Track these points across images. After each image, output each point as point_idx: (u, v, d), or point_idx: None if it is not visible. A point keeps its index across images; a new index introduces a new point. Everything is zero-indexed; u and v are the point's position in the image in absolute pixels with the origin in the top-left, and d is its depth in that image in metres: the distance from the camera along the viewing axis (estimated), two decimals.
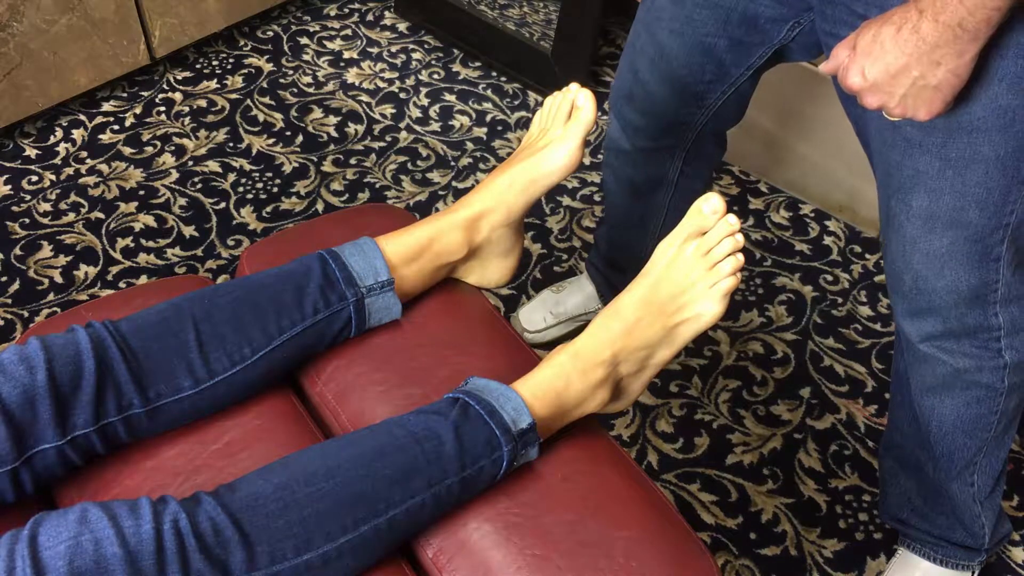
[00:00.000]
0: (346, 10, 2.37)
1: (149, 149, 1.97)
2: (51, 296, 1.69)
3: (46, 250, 1.76)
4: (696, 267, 0.93)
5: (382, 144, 2.02)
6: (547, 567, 0.85)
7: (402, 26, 2.33)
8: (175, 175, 1.92)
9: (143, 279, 1.73)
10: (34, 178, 1.89)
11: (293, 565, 0.78)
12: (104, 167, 1.92)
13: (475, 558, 0.87)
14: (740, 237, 0.93)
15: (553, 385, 0.92)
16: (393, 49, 2.26)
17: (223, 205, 1.87)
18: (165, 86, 2.11)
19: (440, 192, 1.93)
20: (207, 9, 2.09)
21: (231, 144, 1.99)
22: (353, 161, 1.97)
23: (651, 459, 1.52)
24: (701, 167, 1.41)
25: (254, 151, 1.98)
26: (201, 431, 0.94)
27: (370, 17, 2.35)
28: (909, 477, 1.28)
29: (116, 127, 2.01)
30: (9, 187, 1.87)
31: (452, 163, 1.98)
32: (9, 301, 1.68)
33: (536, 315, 1.69)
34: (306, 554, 0.79)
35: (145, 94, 2.09)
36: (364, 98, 2.12)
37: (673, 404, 1.60)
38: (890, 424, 1.28)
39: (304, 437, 0.96)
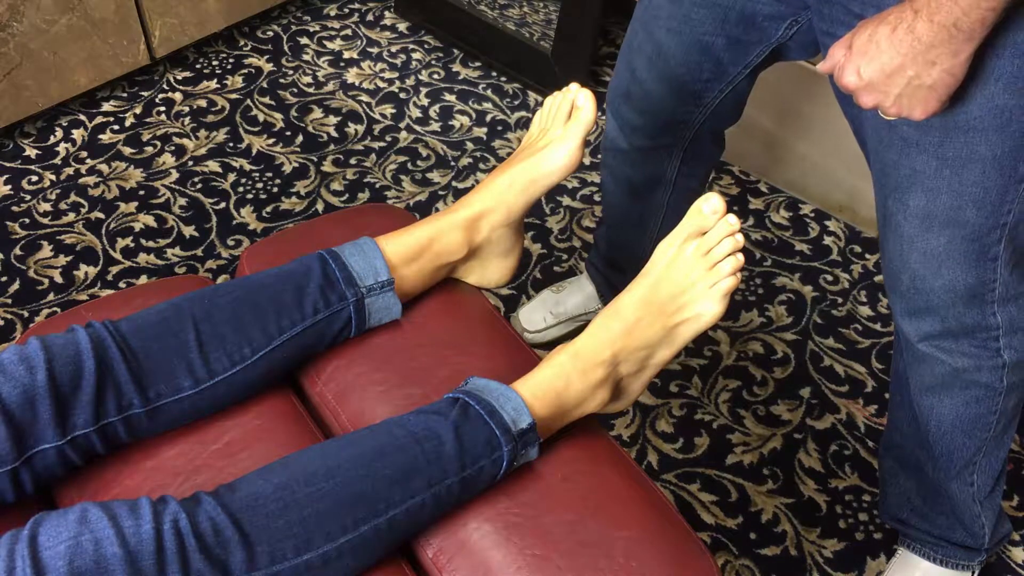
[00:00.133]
0: (346, 10, 2.37)
1: (149, 149, 1.97)
2: (51, 296, 1.69)
3: (46, 250, 1.76)
4: (696, 267, 0.93)
5: (382, 144, 2.02)
6: (547, 567, 0.85)
7: (402, 26, 2.33)
8: (175, 175, 1.92)
9: (143, 279, 1.73)
10: (34, 178, 1.89)
11: (293, 565, 0.78)
12: (104, 167, 1.92)
13: (475, 558, 0.87)
14: (740, 237, 0.93)
15: (553, 385, 0.92)
16: (393, 49, 2.26)
17: (223, 205, 1.87)
18: (165, 86, 2.12)
19: (440, 192, 1.93)
20: (207, 9, 2.09)
21: (231, 144, 1.99)
22: (353, 161, 1.97)
23: (651, 459, 1.52)
24: (699, 166, 1.41)
25: (254, 151, 1.98)
26: (201, 431, 0.94)
27: (370, 17, 2.35)
28: (909, 477, 1.28)
29: (116, 127, 2.01)
30: (9, 187, 1.87)
31: (452, 163, 1.98)
32: (9, 301, 1.68)
33: (536, 315, 1.69)
34: (306, 554, 0.79)
35: (145, 94, 2.09)
36: (364, 98, 2.12)
37: (673, 404, 1.60)
38: (890, 424, 1.28)
39: (304, 437, 0.96)
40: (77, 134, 1.99)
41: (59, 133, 1.99)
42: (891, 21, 0.83)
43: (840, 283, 1.80)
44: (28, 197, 1.85)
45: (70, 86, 1.94)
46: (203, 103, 2.08)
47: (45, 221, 1.81)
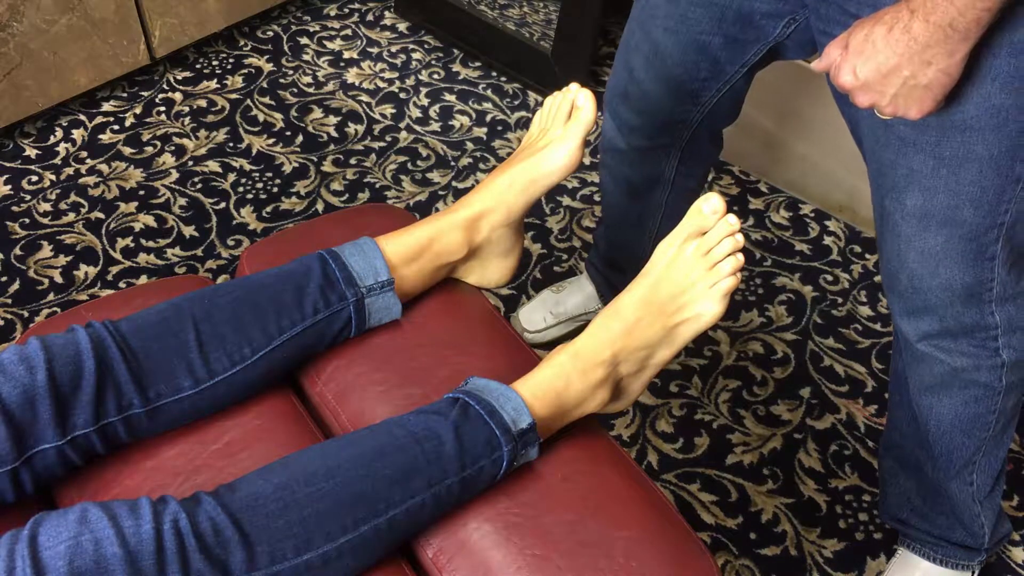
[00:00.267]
0: (346, 10, 2.37)
1: (149, 149, 1.97)
2: (51, 296, 1.69)
3: (46, 250, 1.76)
4: (696, 267, 0.93)
5: (382, 144, 2.02)
6: (547, 567, 0.85)
7: (402, 26, 2.33)
8: (175, 175, 1.92)
9: (143, 279, 1.73)
10: (34, 178, 1.89)
11: (293, 565, 0.78)
12: (104, 167, 1.92)
13: (475, 558, 0.87)
14: (740, 237, 0.93)
15: (553, 385, 0.92)
16: (393, 49, 2.26)
17: (223, 205, 1.87)
18: (165, 86, 2.12)
19: (440, 192, 1.93)
20: (207, 9, 2.09)
21: (231, 144, 1.99)
22: (353, 161, 1.97)
23: (651, 459, 1.52)
24: (697, 166, 1.41)
25: (254, 151, 1.98)
26: (201, 431, 0.94)
27: (370, 17, 2.35)
28: (908, 477, 1.28)
29: (116, 127, 2.01)
30: (9, 187, 1.87)
31: (452, 163, 1.98)
32: (9, 301, 1.68)
33: (536, 315, 1.69)
34: (306, 554, 0.79)
35: (145, 94, 2.09)
36: (364, 98, 2.12)
37: (673, 404, 1.60)
38: (889, 424, 1.28)
39: (304, 437, 0.96)
40: (77, 134, 1.99)
41: (59, 133, 1.99)
42: (887, 21, 0.83)
43: (840, 283, 1.80)
44: (28, 197, 1.85)
45: (70, 86, 1.94)
46: (203, 103, 2.08)
47: (45, 221, 1.81)
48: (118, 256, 1.76)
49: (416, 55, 2.25)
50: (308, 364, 1.01)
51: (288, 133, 2.02)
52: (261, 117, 2.06)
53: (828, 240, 1.88)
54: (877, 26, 0.83)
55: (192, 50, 2.20)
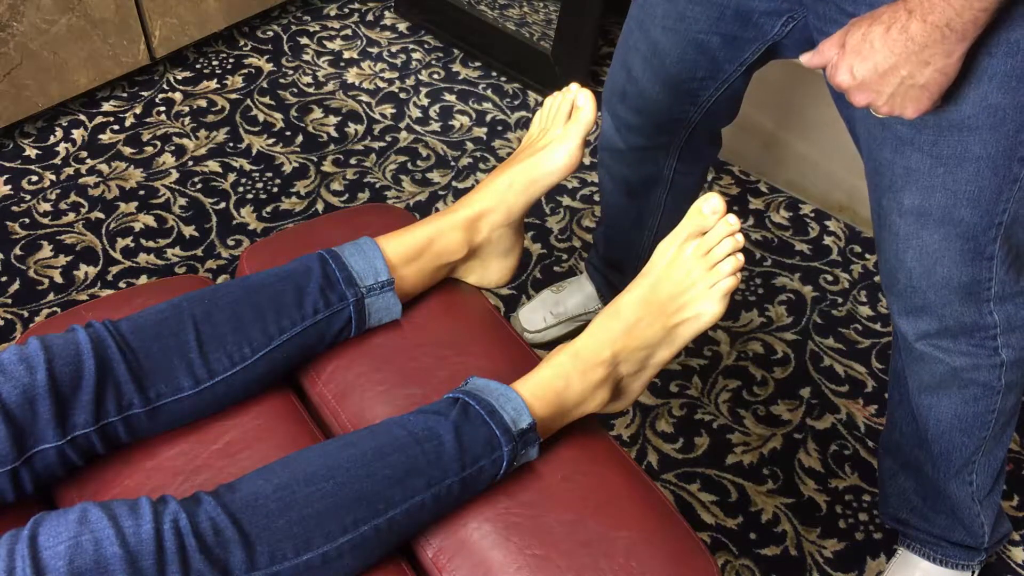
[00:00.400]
0: (346, 10, 2.37)
1: (149, 149, 1.97)
2: (51, 296, 1.69)
3: (46, 250, 1.76)
4: (696, 267, 0.93)
5: (382, 144, 2.02)
6: (547, 567, 0.85)
7: (402, 26, 2.33)
8: (175, 175, 1.92)
9: (143, 279, 1.73)
10: (34, 178, 1.89)
11: (293, 565, 0.78)
12: (104, 167, 1.92)
13: (475, 558, 0.87)
14: (740, 237, 0.93)
15: (553, 385, 0.92)
16: (393, 49, 2.26)
17: (223, 205, 1.87)
18: (165, 86, 2.12)
19: (440, 192, 1.93)
20: (207, 9, 2.09)
21: (231, 144, 1.99)
22: (353, 161, 1.97)
23: (651, 459, 1.52)
24: (696, 165, 1.41)
25: (254, 151, 1.98)
26: (201, 431, 0.94)
27: (370, 17, 2.35)
28: (908, 477, 1.28)
29: (116, 127, 2.01)
30: (9, 187, 1.87)
31: (452, 163, 1.98)
32: (9, 301, 1.68)
33: (536, 315, 1.69)
34: (306, 554, 0.79)
35: (145, 94, 2.09)
36: (364, 98, 2.12)
37: (673, 404, 1.60)
38: (889, 424, 1.28)
39: (304, 437, 0.96)
40: (77, 134, 1.99)
41: (59, 133, 1.99)
42: (885, 21, 0.83)
43: (840, 283, 1.80)
44: (28, 197, 1.85)
45: (70, 86, 1.94)
46: (203, 103, 2.08)
47: (45, 221, 1.81)
48: (118, 256, 1.76)
49: (416, 55, 2.25)
50: (308, 364, 1.01)
51: (288, 133, 2.02)
52: (261, 117, 2.06)
53: (828, 240, 1.88)
54: (874, 25, 0.83)
55: (192, 50, 2.20)
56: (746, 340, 1.70)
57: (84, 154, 1.95)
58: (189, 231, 1.81)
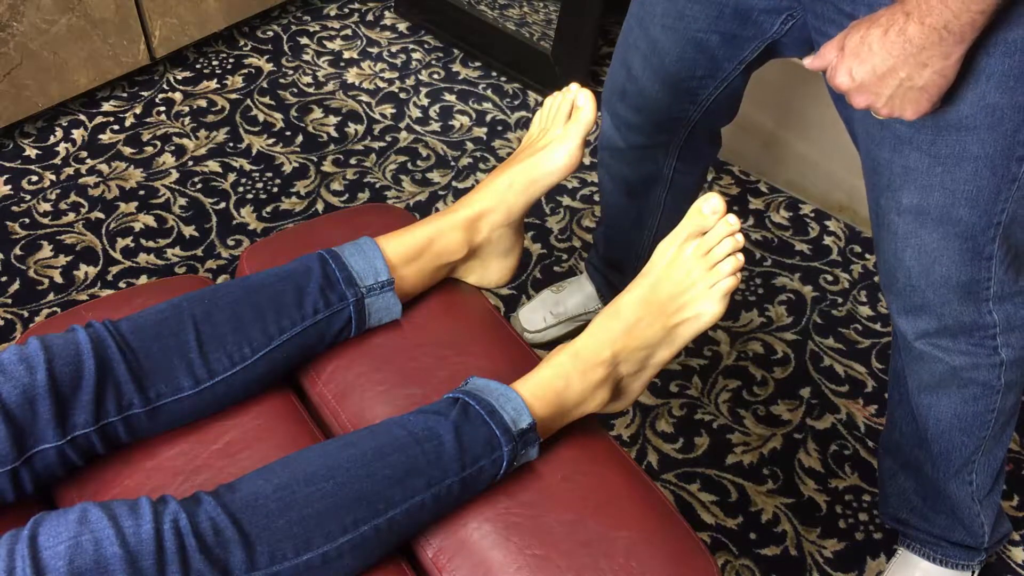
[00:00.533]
0: (346, 10, 2.37)
1: (149, 149, 1.97)
2: (51, 296, 1.69)
3: (46, 250, 1.76)
4: (696, 267, 0.93)
5: (382, 144, 2.02)
6: (547, 567, 0.85)
7: (402, 26, 2.33)
8: (175, 175, 1.92)
9: (143, 279, 1.73)
10: (34, 178, 1.89)
11: (293, 565, 0.78)
12: (104, 167, 1.92)
13: (475, 558, 0.87)
14: (740, 237, 0.93)
15: (553, 385, 0.92)
16: (393, 49, 2.26)
17: (223, 205, 1.87)
18: (165, 86, 2.12)
19: (440, 192, 1.93)
20: (207, 9, 2.09)
21: (231, 144, 1.99)
22: (353, 161, 1.97)
23: (651, 459, 1.52)
24: (696, 165, 1.41)
25: (254, 151, 1.98)
26: (201, 431, 0.94)
27: (370, 17, 2.35)
28: (908, 476, 1.28)
29: (116, 127, 2.01)
30: (9, 187, 1.87)
31: (452, 163, 1.98)
32: (9, 301, 1.68)
33: (536, 315, 1.69)
34: (306, 554, 0.79)
35: (145, 94, 2.09)
36: (364, 98, 2.12)
37: (673, 404, 1.60)
38: (888, 423, 1.28)
39: (304, 437, 0.96)
40: (77, 134, 1.99)
41: (59, 133, 1.99)
42: (883, 23, 0.83)
43: (840, 283, 1.80)
44: (28, 197, 1.85)
45: (70, 86, 1.94)
46: (203, 103, 2.08)
47: (45, 221, 1.81)
48: (118, 256, 1.76)
49: (416, 55, 2.25)
50: (308, 364, 1.01)
51: (288, 133, 2.02)
52: (261, 117, 2.06)
53: (828, 240, 1.88)
54: (873, 28, 0.84)
55: (192, 50, 2.20)
56: (746, 340, 1.70)
57: (84, 154, 1.95)
58: (189, 231, 1.81)
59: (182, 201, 1.87)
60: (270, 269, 0.98)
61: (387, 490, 0.83)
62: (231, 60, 2.19)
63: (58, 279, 1.72)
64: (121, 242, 1.78)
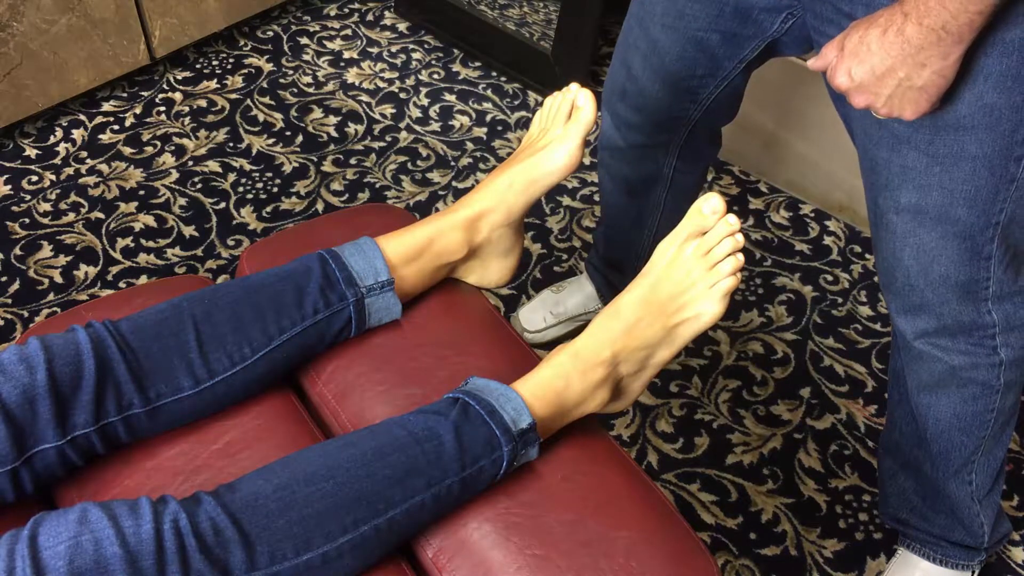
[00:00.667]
0: (346, 10, 2.37)
1: (149, 149, 1.97)
2: (51, 296, 1.69)
3: (46, 250, 1.76)
4: (696, 267, 0.93)
5: (382, 144, 2.02)
6: (547, 567, 0.85)
7: (402, 26, 2.33)
8: (175, 175, 1.92)
9: (143, 279, 1.73)
10: (34, 178, 1.89)
11: (293, 565, 0.78)
12: (104, 167, 1.92)
13: (475, 558, 0.87)
14: (740, 237, 0.93)
15: (553, 385, 0.92)
16: (393, 49, 2.26)
17: (223, 205, 1.87)
18: (165, 86, 2.12)
19: (440, 192, 1.93)
20: (207, 9, 2.09)
21: (231, 144, 1.99)
22: (353, 161, 1.97)
23: (651, 459, 1.52)
24: (696, 164, 1.41)
25: (254, 151, 1.98)
26: (201, 431, 0.94)
27: (370, 17, 2.35)
28: (908, 476, 1.28)
29: (116, 127, 2.01)
30: (9, 187, 1.87)
31: (452, 163, 1.98)
32: (9, 301, 1.68)
33: (536, 315, 1.69)
34: (306, 554, 0.79)
35: (145, 94, 2.09)
36: (364, 98, 2.12)
37: (673, 404, 1.60)
38: (888, 423, 1.28)
39: (304, 437, 0.96)
40: (77, 134, 1.99)
41: (59, 133, 1.99)
42: (881, 24, 0.83)
43: (840, 283, 1.80)
44: (28, 197, 1.85)
45: (70, 86, 1.94)
46: (203, 103, 2.08)
47: (45, 221, 1.81)
48: (118, 256, 1.76)
49: (416, 55, 2.25)
50: (308, 364, 1.01)
51: (288, 133, 2.02)
52: (261, 117, 2.06)
53: (828, 240, 1.88)
54: (872, 28, 0.84)
55: (192, 50, 2.20)
56: (746, 340, 1.70)
57: (84, 154, 1.95)
58: (189, 231, 1.81)
59: (182, 201, 1.87)
60: (270, 269, 0.98)
61: (387, 490, 0.83)
62: (231, 60, 2.19)
63: (58, 279, 1.72)
64: (121, 242, 1.78)
